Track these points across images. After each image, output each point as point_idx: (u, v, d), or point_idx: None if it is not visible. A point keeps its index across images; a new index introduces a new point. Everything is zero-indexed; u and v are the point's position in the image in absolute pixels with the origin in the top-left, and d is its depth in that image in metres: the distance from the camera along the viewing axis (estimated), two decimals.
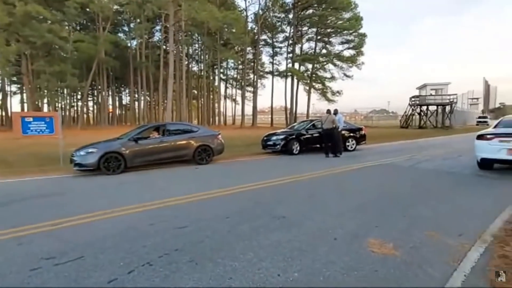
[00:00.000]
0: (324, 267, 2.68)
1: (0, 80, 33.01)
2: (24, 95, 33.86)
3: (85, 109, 42.88)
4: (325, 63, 39.58)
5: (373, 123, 43.52)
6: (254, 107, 40.07)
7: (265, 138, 11.99)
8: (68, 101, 42.65)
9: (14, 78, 36.05)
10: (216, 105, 49.97)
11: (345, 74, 39.34)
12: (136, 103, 46.98)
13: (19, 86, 39.40)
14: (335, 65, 39.14)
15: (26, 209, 4.78)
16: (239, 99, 48.45)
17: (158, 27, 41.12)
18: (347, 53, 38.39)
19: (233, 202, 4.97)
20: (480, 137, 6.89)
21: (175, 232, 3.60)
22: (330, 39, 39.07)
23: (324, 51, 39.89)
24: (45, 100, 36.78)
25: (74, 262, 2.83)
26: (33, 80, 30.53)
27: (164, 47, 37.85)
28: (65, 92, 38.98)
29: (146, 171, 8.06)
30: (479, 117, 45.50)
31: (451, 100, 32.40)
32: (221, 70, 46.51)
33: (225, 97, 52.94)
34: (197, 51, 47.06)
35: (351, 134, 12.56)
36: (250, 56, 43.53)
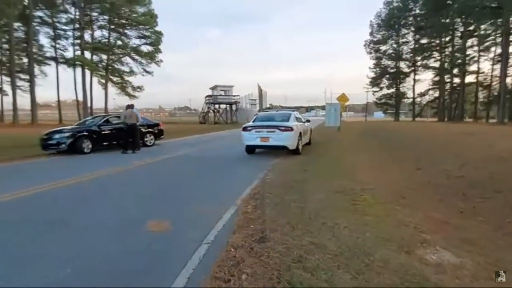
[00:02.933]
0: (106, 259, 2.80)
1: None
2: None
3: None
4: (121, 55, 37.25)
5: (176, 119, 45.51)
6: (33, 99, 31.89)
7: (45, 137, 10.06)
8: None
9: None
10: None
11: (144, 70, 38.61)
12: None
13: None
14: (133, 59, 37.64)
15: None
16: (8, 88, 36.76)
17: None
18: (145, 48, 37.84)
19: None
20: (244, 129, 9.00)
21: None
22: (126, 31, 37.09)
23: (119, 42, 37.37)
24: None
25: None
26: None
27: None
28: None
29: None
30: (255, 114, 57.82)
31: (236, 100, 39.31)
32: None
33: None
34: None
35: (149, 130, 12.76)
36: (20, 34, 34.04)
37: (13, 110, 31.72)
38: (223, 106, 40.41)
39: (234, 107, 39.69)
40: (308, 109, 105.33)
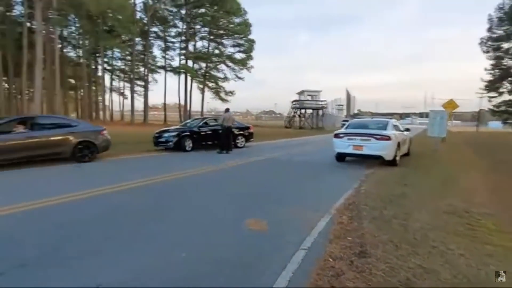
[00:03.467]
0: (209, 248, 3.10)
1: None
2: None
3: None
4: (218, 63, 40.73)
5: (262, 123, 47.27)
6: (146, 102, 37.80)
7: (156, 135, 11.73)
8: None
9: None
10: (100, 98, 44.58)
11: (237, 76, 41.41)
12: None
13: None
14: (227, 66, 40.78)
15: None
16: (128, 93, 44.50)
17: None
18: (238, 56, 40.54)
19: (117, 198, 4.85)
20: (335, 135, 8.72)
21: (51, 232, 3.37)
22: (223, 41, 40.43)
23: (217, 51, 40.94)
24: None
25: None
26: None
27: (29, 24, 31.37)
28: None
29: (13, 172, 6.78)
30: (343, 120, 55.55)
31: (323, 105, 38.56)
32: (106, 60, 41.79)
33: (111, 90, 47.80)
34: (74, 35, 40.83)
35: (241, 132, 13.55)
36: (140, 47, 40.61)
37: (131, 111, 38.06)
38: (309, 111, 40.12)
39: (320, 112, 38.97)
40: (403, 116, 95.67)
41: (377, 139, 7.91)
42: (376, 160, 8.48)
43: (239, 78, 41.33)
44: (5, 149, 6.96)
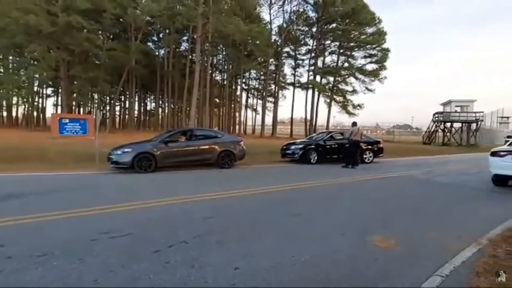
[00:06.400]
0: (333, 254, 3.16)
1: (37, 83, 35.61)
2: (59, 98, 36.29)
3: (113, 114, 45.05)
4: (346, 76, 39.90)
5: (394, 138, 42.82)
6: (274, 117, 40.78)
7: (284, 147, 12.52)
8: (97, 105, 45.10)
9: (50, 82, 38.65)
10: (237, 114, 51.06)
11: (367, 88, 39.45)
12: (160, 109, 48.76)
13: (53, 89, 42.11)
14: (356, 78, 39.40)
15: (75, 197, 5.52)
16: (259, 109, 49.40)
17: (185, 38, 42.98)
18: (370, 67, 38.57)
19: (254, 200, 5.51)
20: (494, 153, 7.09)
21: (204, 221, 4.18)
22: (353, 53, 39.42)
23: (346, 64, 40.22)
24: (75, 103, 39.10)
25: (126, 237, 3.46)
26: (69, 85, 32.74)
27: (190, 56, 39.44)
28: (96, 96, 41.33)
29: (175, 172, 8.76)
30: (508, 136, 43.95)
31: (477, 117, 31.62)
32: (243, 80, 47.70)
33: (246, 107, 54.06)
34: (221, 61, 48.60)
35: (369, 147, 12.82)
36: (272, 67, 44.43)
37: (261, 125, 41.88)
38: (457, 125, 33.68)
39: (473, 126, 32.07)
40: None
41: None
42: None
43: (369, 90, 39.27)
44: (174, 154, 8.99)
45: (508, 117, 50.13)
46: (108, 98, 43.06)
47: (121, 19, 34.45)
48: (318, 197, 6.03)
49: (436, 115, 33.97)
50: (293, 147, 12.08)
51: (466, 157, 17.44)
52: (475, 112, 32.31)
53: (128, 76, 37.58)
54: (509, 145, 7.38)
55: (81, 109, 40.15)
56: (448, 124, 33.58)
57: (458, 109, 34.26)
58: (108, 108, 45.53)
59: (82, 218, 4.19)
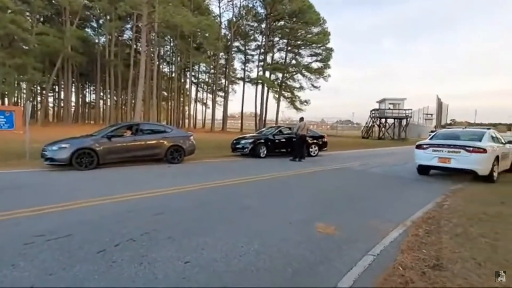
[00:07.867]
0: (280, 242, 3.35)
1: None
2: None
3: (46, 105, 40.58)
4: (294, 73, 41.37)
5: (337, 132, 45.71)
6: (225, 111, 40.64)
7: (234, 142, 12.62)
8: (25, 95, 40.20)
9: None
10: (186, 108, 49.72)
11: (312, 85, 41.38)
12: (102, 101, 45.35)
13: None
14: (303, 75, 41.08)
15: (5, 198, 4.94)
16: (209, 103, 48.67)
17: (128, 26, 40.31)
18: (315, 65, 40.45)
19: (204, 195, 5.51)
20: (418, 146, 8.08)
21: (153, 217, 4.08)
22: (300, 51, 40.97)
23: (294, 61, 41.63)
24: None
25: (64, 238, 3.24)
26: None
27: (135, 46, 37.18)
28: (24, 86, 36.82)
29: (120, 168, 8.28)
30: (431, 131, 49.89)
31: (407, 114, 35.36)
32: (193, 74, 46.54)
33: (195, 101, 52.93)
34: (168, 53, 46.71)
35: (314, 141, 13.56)
36: (222, 61, 44.02)
37: (211, 120, 41.43)
38: (390, 120, 37.27)
39: (404, 122, 35.82)
40: (510, 127, 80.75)
41: (468, 151, 7.07)
42: (467, 175, 7.58)
43: (315, 87, 41.26)
44: (118, 150, 8.49)
45: (431, 114, 56.49)
46: (39, 88, 38.71)
47: (53, 1, 31.05)
48: (267, 190, 6.25)
49: (373, 112, 37.15)
50: (243, 141, 12.23)
51: (397, 150, 19.44)
52: (405, 110, 36.06)
53: (63, 64, 34.16)
54: (430, 139, 8.45)
55: (6, 100, 35.36)
56: (383, 120, 37.01)
57: (391, 106, 37.84)
58: (39, 99, 40.97)
59: (12, 220, 3.79)
